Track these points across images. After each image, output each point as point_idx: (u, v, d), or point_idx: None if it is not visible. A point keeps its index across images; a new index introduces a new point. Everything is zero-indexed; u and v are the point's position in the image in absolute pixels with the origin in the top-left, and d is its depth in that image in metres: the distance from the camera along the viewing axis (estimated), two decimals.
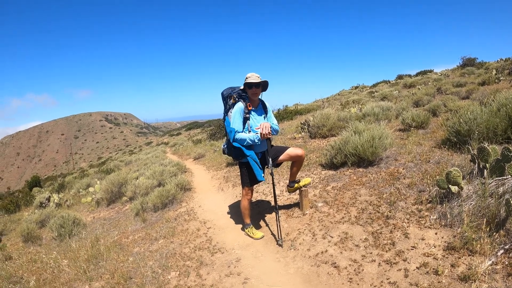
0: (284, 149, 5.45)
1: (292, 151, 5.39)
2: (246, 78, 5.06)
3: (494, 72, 19.12)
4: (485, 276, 3.15)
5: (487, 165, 4.29)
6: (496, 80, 17.44)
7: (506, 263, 3.23)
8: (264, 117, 5.31)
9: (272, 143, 5.55)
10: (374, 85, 40.72)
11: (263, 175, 5.14)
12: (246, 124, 5.09)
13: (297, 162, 5.57)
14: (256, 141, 5.01)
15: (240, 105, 5.03)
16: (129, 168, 18.45)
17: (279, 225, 5.12)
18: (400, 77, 41.62)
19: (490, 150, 4.23)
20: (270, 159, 5.18)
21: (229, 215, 6.72)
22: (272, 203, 6.56)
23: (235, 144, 5.09)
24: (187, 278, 4.48)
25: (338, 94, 40.99)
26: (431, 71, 39.75)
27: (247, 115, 5.07)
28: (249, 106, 5.11)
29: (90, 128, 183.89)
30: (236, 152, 5.20)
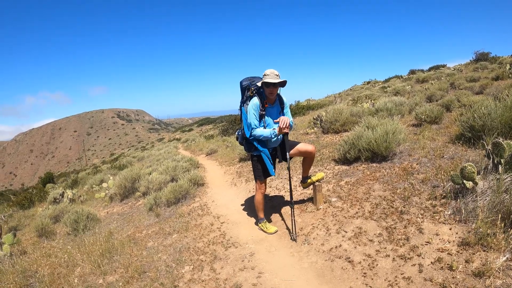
0: (295, 144, 5.45)
1: (302, 146, 5.43)
2: (264, 75, 4.94)
3: (508, 67, 18.88)
4: (499, 272, 3.15)
5: (502, 160, 4.25)
6: (510, 75, 17.22)
7: None
8: (280, 113, 5.29)
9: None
10: (386, 80, 40.44)
11: (274, 170, 5.28)
12: (262, 120, 5.10)
13: (308, 158, 5.61)
14: (273, 136, 5.04)
15: (255, 101, 5.01)
16: (142, 164, 18.56)
17: (294, 220, 5.09)
18: (412, 72, 41.27)
19: (505, 145, 4.19)
20: (288, 154, 5.19)
21: (243, 210, 6.75)
22: (286, 198, 6.60)
23: (251, 139, 5.17)
24: (201, 272, 4.52)
25: (350, 89, 40.79)
26: (444, 66, 39.40)
27: (263, 112, 5.06)
28: (265, 104, 5.09)
29: (103, 125, 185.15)
30: (248, 145, 5.32)
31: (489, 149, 4.48)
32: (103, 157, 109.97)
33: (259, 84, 5.09)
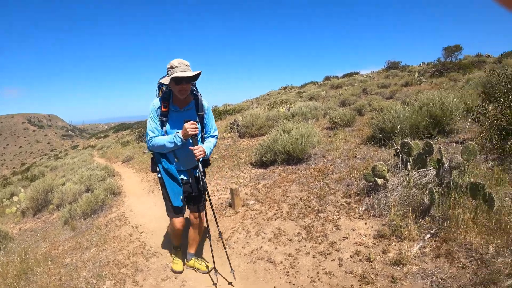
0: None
1: (192, 215, 4.21)
2: (171, 68, 3.53)
3: (416, 74, 20.80)
4: (415, 259, 3.39)
5: (410, 158, 4.58)
6: (418, 82, 18.77)
7: (434, 246, 3.50)
8: (198, 122, 3.82)
9: None
10: (303, 86, 41.69)
11: (182, 198, 3.90)
12: (163, 130, 3.78)
13: (194, 226, 4.27)
14: (177, 142, 3.60)
15: (155, 103, 3.73)
16: (55, 174, 17.64)
17: (227, 255, 4.07)
18: (327, 78, 43.00)
19: (412, 145, 4.53)
20: (201, 171, 3.78)
21: (161, 218, 6.61)
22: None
23: (153, 154, 3.97)
24: (123, 286, 4.34)
25: (268, 94, 41.59)
26: (357, 73, 41.53)
27: (163, 119, 3.73)
28: (164, 108, 3.71)
29: (12, 131, 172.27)
30: (153, 162, 4.06)
31: (398, 149, 4.80)
32: (14, 168, 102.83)
33: (164, 80, 3.66)
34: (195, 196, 4.05)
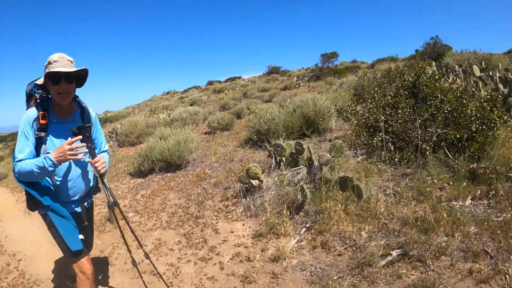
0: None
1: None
2: (48, 64, 2.65)
3: (295, 78, 22.05)
4: (293, 253, 3.59)
5: (283, 158, 4.82)
6: (297, 86, 19.84)
7: (310, 238, 3.75)
8: (86, 136, 2.91)
9: None
10: (185, 91, 41.65)
11: (80, 237, 2.94)
12: (42, 149, 2.70)
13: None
14: (48, 167, 2.50)
15: (30, 114, 2.70)
16: None
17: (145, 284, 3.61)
18: (210, 83, 43.42)
19: (285, 146, 4.77)
20: (107, 187, 3.00)
21: (40, 241, 6.17)
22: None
23: (21, 183, 2.76)
24: None
25: (150, 100, 40.88)
26: (239, 78, 42.43)
27: (41, 134, 2.69)
28: (42, 119, 2.69)
29: None
30: (28, 198, 2.88)
31: (271, 150, 5.03)
32: None
33: (39, 81, 2.78)
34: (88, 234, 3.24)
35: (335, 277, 3.14)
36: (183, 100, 27.12)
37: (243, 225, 4.36)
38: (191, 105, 19.71)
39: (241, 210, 4.66)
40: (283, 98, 14.13)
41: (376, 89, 7.18)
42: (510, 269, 2.92)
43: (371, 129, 5.69)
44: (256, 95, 19.08)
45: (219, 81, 43.16)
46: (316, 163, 4.42)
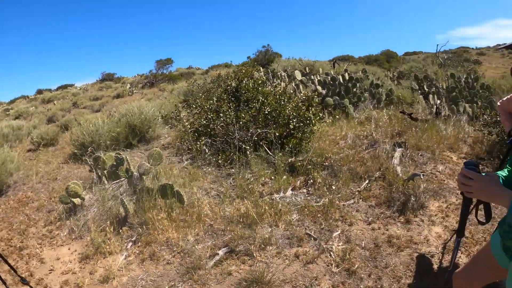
0: None
1: None
2: None
3: (128, 86, 21.45)
4: (122, 271, 3.46)
5: (105, 172, 4.65)
6: (130, 93, 19.35)
7: (137, 252, 3.69)
8: None
9: None
10: (12, 101, 37.72)
11: None
12: None
13: None
14: None
15: None
16: None
17: None
18: (40, 92, 40.01)
19: (105, 158, 4.60)
20: None
21: None
22: None
23: None
24: None
25: None
26: (72, 85, 39.88)
27: None
28: None
29: None
30: None
31: (92, 164, 4.82)
32: None
33: None
34: None
35: (167, 287, 3.16)
36: (8, 112, 24.58)
37: (69, 249, 4.07)
38: (17, 118, 18.02)
39: (65, 233, 4.35)
40: (113, 107, 13.73)
41: (200, 94, 7.38)
42: (333, 247, 3.31)
43: (196, 134, 5.84)
44: (86, 104, 18.23)
45: (50, 90, 40.11)
46: (135, 173, 4.39)
